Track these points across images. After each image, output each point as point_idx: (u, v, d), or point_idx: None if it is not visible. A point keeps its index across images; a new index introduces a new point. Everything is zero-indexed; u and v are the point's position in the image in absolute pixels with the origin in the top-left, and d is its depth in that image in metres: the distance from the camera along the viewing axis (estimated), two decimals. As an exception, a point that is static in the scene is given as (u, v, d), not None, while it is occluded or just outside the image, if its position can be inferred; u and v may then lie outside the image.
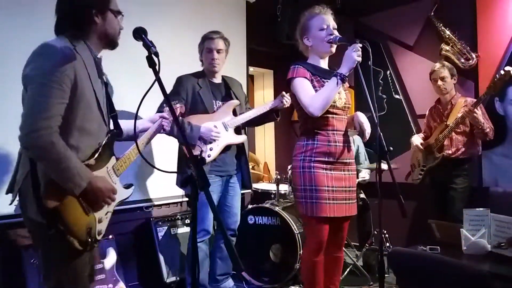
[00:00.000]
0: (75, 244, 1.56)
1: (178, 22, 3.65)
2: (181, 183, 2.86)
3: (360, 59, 2.12)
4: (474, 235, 2.26)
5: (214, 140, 2.77)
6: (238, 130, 2.96)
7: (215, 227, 3.02)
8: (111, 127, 1.84)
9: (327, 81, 2.28)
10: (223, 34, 2.93)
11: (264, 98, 5.20)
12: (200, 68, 3.00)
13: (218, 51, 2.87)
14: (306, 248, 2.37)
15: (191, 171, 1.17)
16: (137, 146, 1.60)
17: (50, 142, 1.50)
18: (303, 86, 2.24)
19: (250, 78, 5.11)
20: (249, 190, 4.12)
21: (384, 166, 2.19)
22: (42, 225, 1.54)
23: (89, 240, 1.62)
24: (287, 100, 2.90)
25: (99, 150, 1.71)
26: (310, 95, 2.21)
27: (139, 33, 1.52)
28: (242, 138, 2.96)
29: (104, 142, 1.73)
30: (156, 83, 1.44)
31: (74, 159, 1.55)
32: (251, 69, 4.70)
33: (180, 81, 2.85)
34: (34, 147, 1.51)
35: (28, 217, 1.59)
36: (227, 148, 2.87)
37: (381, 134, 1.96)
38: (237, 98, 2.98)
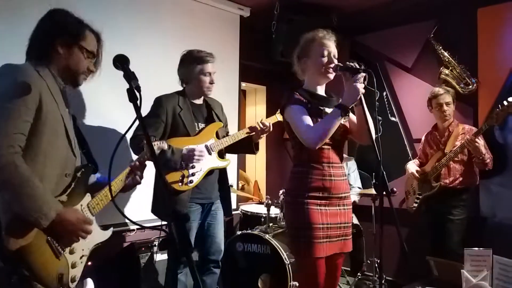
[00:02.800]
0: None
1: (171, 37, 3.53)
2: (160, 245, 2.82)
3: (363, 90, 1.99)
4: (475, 276, 2.14)
5: (198, 161, 2.60)
6: (221, 154, 2.80)
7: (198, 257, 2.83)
8: (84, 162, 1.72)
9: (324, 109, 2.16)
10: (213, 55, 2.78)
11: (256, 113, 5.08)
12: (178, 88, 2.81)
13: (213, 73, 2.74)
14: None
15: (170, 231, 1.00)
16: (110, 190, 1.44)
17: (12, 163, 1.37)
18: (299, 114, 2.09)
19: (243, 94, 4.98)
20: (238, 211, 3.98)
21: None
22: (2, 269, 1.37)
23: None
24: (259, 126, 2.72)
25: (72, 185, 1.58)
26: (307, 124, 2.06)
27: (120, 62, 1.35)
28: (226, 162, 2.81)
29: (78, 176, 1.61)
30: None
31: (39, 185, 1.41)
32: (243, 84, 4.58)
33: (159, 102, 2.65)
34: None
35: None
36: (210, 173, 2.71)
37: (384, 172, 1.82)
38: (220, 120, 2.83)
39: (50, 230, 1.44)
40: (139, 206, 3.14)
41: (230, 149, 2.84)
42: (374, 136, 2.03)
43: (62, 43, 1.61)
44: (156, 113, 2.61)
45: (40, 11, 1.70)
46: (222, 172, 2.84)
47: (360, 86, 1.98)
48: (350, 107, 2.04)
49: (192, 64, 2.71)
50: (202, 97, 2.82)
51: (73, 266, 1.55)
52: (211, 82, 2.72)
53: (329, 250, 2.09)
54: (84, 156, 1.71)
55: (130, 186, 1.84)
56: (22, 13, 2.63)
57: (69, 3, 2.89)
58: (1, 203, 1.40)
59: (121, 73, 1.36)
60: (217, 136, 2.77)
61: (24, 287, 1.39)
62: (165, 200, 1.00)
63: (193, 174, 2.61)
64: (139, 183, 1.87)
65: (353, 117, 2.23)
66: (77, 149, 1.68)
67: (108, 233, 1.76)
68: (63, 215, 1.46)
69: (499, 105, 2.84)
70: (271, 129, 2.77)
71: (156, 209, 2.68)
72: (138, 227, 3.17)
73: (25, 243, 1.39)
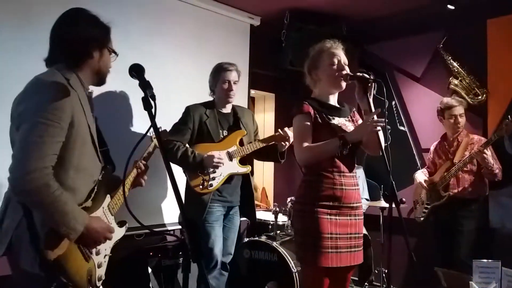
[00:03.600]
0: None
1: (182, 45, 3.59)
2: (172, 251, 2.96)
3: (377, 130, 2.01)
4: (483, 288, 2.14)
5: (217, 167, 2.75)
6: (243, 161, 2.92)
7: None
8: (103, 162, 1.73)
9: (333, 118, 2.18)
10: (237, 66, 2.97)
11: (265, 121, 5.09)
12: (208, 98, 3.01)
13: (235, 83, 2.91)
14: None
15: (184, 237, 1.03)
16: (123, 189, 1.54)
17: (44, 184, 1.40)
18: (301, 129, 2.14)
19: (252, 101, 5.01)
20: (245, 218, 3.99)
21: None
22: (39, 278, 1.42)
23: None
24: (285, 134, 2.83)
25: (95, 189, 1.63)
26: (304, 142, 2.10)
27: (136, 71, 1.39)
28: (246, 169, 2.93)
29: (99, 179, 1.66)
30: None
31: (70, 201, 1.46)
32: (252, 92, 4.61)
33: (187, 110, 2.88)
34: (28, 191, 1.39)
35: (22, 271, 1.45)
36: (231, 178, 2.86)
37: (394, 183, 1.83)
38: (245, 128, 2.95)
39: (79, 240, 1.50)
40: (149, 211, 3.19)
41: (259, 157, 3.04)
42: (383, 146, 2.04)
43: (96, 47, 1.60)
44: (184, 120, 2.84)
45: (52, 18, 1.63)
46: (246, 178, 2.97)
47: (371, 128, 1.99)
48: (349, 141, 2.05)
49: (215, 74, 2.93)
50: (230, 106, 2.99)
51: (99, 266, 1.63)
52: (229, 90, 2.87)
53: (337, 261, 2.05)
54: (102, 156, 1.72)
55: (136, 183, 1.93)
56: (33, 19, 2.70)
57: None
58: (39, 219, 1.44)
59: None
60: (241, 143, 2.91)
61: None
62: (179, 206, 1.02)
63: (213, 179, 2.78)
64: (142, 185, 1.93)
65: None
66: (100, 153, 1.69)
67: (124, 229, 1.82)
68: (90, 226, 1.51)
69: (509, 116, 2.85)
70: (291, 138, 2.82)
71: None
72: (147, 231, 3.20)
73: (61, 253, 1.45)
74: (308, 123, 2.12)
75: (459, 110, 3.21)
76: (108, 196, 1.71)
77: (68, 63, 1.56)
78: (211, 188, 2.77)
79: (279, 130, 2.87)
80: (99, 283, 1.61)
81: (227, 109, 2.99)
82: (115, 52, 1.69)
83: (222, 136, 2.88)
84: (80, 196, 1.56)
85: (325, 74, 2.19)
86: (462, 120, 3.22)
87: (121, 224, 1.81)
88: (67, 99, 1.46)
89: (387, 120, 4.08)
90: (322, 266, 2.03)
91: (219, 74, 2.91)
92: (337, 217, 2.09)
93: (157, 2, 3.47)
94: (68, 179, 1.50)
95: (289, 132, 2.81)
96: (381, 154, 1.98)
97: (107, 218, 1.69)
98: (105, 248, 1.68)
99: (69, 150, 1.50)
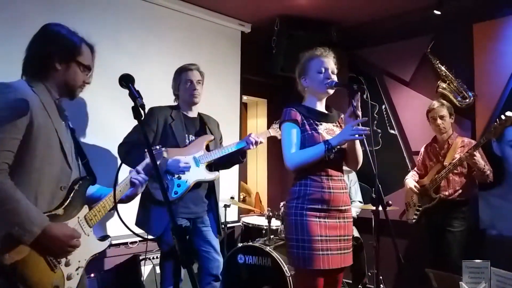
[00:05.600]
0: None
1: (173, 52, 3.62)
2: (162, 256, 2.72)
3: (355, 138, 2.05)
4: (473, 288, 2.17)
5: (183, 173, 2.56)
6: (210, 167, 2.77)
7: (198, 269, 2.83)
8: (83, 173, 1.73)
9: (321, 124, 2.22)
10: (198, 66, 2.83)
11: (257, 126, 5.13)
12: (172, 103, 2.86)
13: (198, 82, 2.76)
14: None
15: (174, 243, 1.05)
16: (114, 202, 1.52)
17: None
18: (288, 136, 2.18)
19: (244, 106, 5.05)
20: (239, 223, 4.02)
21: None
22: None
23: None
24: (253, 141, 2.74)
25: (69, 198, 1.60)
26: (292, 149, 2.15)
27: (126, 81, 1.42)
28: (214, 175, 2.76)
29: (75, 188, 1.63)
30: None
31: (24, 201, 1.43)
32: (244, 97, 4.65)
33: (151, 112, 2.67)
34: None
35: None
36: (197, 185, 2.67)
37: (380, 186, 1.86)
38: (211, 134, 2.82)
39: (37, 245, 1.45)
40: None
41: (220, 164, 2.84)
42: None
43: (60, 60, 1.63)
44: (147, 122, 2.60)
45: (36, 28, 1.69)
46: (211, 186, 2.80)
47: (352, 133, 2.02)
48: (335, 146, 2.09)
49: (177, 75, 2.79)
50: (196, 112, 2.85)
51: (69, 278, 1.56)
52: (193, 89, 2.73)
53: (328, 263, 2.08)
54: (84, 167, 1.72)
55: (130, 198, 1.88)
56: (19, 31, 2.70)
57: (73, 19, 3.01)
58: None
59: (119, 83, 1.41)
60: (207, 149, 2.76)
61: None
62: (168, 212, 1.02)
63: (178, 186, 2.57)
64: (139, 192, 1.90)
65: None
66: (74, 161, 1.69)
67: (105, 243, 1.76)
68: (49, 231, 1.46)
69: (497, 119, 2.88)
70: (261, 142, 2.81)
71: (141, 222, 2.64)
72: (140, 239, 3.21)
73: (19, 257, 1.41)
74: (296, 130, 2.17)
75: (439, 111, 3.24)
76: (86, 207, 1.68)
77: (35, 73, 1.62)
78: (175, 196, 2.55)
79: (251, 136, 2.76)
80: None
81: (194, 113, 2.82)
82: (88, 68, 1.70)
83: (188, 141, 2.70)
84: (44, 202, 1.53)
85: (313, 81, 2.23)
86: (442, 122, 3.24)
87: (102, 238, 1.77)
88: (24, 100, 1.49)
89: (375, 123, 4.17)
90: (314, 269, 2.06)
91: (180, 75, 2.77)
92: (326, 220, 2.13)
93: (149, 10, 3.51)
94: (31, 181, 1.50)
95: (258, 137, 2.77)
96: (355, 170, 2.03)
97: (82, 229, 1.65)
98: (78, 259, 1.62)
99: (30, 150, 1.50)
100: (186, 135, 2.72)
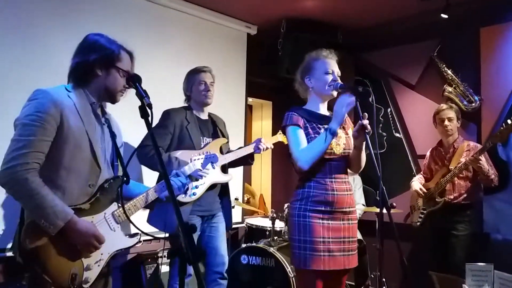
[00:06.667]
0: None
1: (180, 53, 3.65)
2: (168, 254, 2.78)
3: (347, 110, 2.08)
4: (476, 291, 2.17)
5: (202, 177, 2.59)
6: (224, 169, 2.85)
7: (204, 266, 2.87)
8: (118, 173, 1.83)
9: (323, 127, 2.20)
10: (211, 68, 2.90)
11: (262, 128, 5.15)
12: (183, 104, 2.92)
13: (211, 84, 2.83)
14: None
15: (180, 242, 1.06)
16: (124, 211, 1.64)
17: (23, 178, 1.51)
18: (294, 137, 2.17)
19: (249, 108, 5.07)
20: (243, 224, 4.03)
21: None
22: (20, 265, 1.53)
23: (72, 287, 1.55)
24: (263, 148, 2.84)
25: (97, 195, 1.71)
26: (300, 147, 2.14)
27: (133, 81, 1.46)
28: (228, 177, 2.86)
29: (105, 186, 1.73)
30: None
31: (50, 197, 1.54)
32: (250, 99, 4.67)
33: (168, 114, 2.74)
34: (7, 183, 1.54)
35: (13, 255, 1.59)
36: (212, 187, 2.76)
37: (384, 188, 1.87)
38: (224, 136, 2.92)
39: (61, 237, 1.55)
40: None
41: (231, 164, 2.91)
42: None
43: (101, 66, 1.73)
44: (164, 124, 2.70)
45: (65, 40, 1.83)
46: (223, 186, 2.89)
47: (344, 110, 2.05)
48: (337, 129, 2.10)
49: (190, 77, 2.86)
50: (207, 113, 2.92)
51: (87, 268, 1.63)
52: (207, 90, 2.79)
53: (330, 264, 2.08)
54: (121, 167, 1.82)
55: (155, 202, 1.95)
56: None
57: (83, 24, 3.04)
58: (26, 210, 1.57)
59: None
60: (221, 152, 2.83)
61: (35, 283, 1.53)
62: (176, 211, 1.04)
63: (196, 187, 2.67)
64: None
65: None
66: (107, 162, 1.79)
67: (133, 240, 1.82)
68: (73, 225, 1.57)
69: (503, 124, 2.87)
70: (271, 147, 2.90)
71: (154, 219, 2.70)
72: (145, 238, 3.23)
73: (40, 243, 1.52)
74: (301, 131, 2.17)
75: (447, 114, 3.24)
76: (115, 204, 1.77)
77: (78, 80, 1.74)
78: (194, 196, 2.66)
79: (261, 143, 2.84)
80: (85, 285, 1.63)
81: (205, 114, 2.90)
82: (128, 73, 1.78)
83: (204, 143, 2.79)
84: (72, 197, 1.64)
85: (318, 81, 2.22)
86: (450, 124, 3.24)
87: (132, 235, 1.83)
88: (56, 104, 1.60)
89: (380, 126, 4.17)
90: (314, 270, 2.06)
91: (193, 76, 2.84)
92: (330, 222, 2.13)
93: (156, 12, 3.54)
94: (58, 178, 1.62)
95: (267, 143, 2.85)
96: (357, 173, 2.03)
97: (108, 225, 1.73)
98: (101, 252, 1.69)
99: (59, 151, 1.61)
100: (201, 138, 2.80)
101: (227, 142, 2.98)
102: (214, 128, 2.91)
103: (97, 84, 1.74)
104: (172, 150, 2.69)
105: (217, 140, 2.84)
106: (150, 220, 2.72)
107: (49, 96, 1.61)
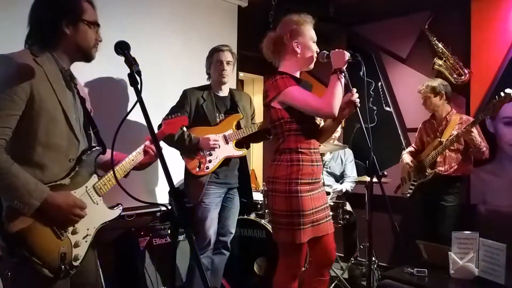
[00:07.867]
0: (45, 272, 1.44)
1: (168, 27, 3.57)
2: (160, 218, 2.93)
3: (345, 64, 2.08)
4: (462, 258, 2.24)
5: (213, 150, 2.82)
6: (239, 144, 2.97)
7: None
8: (93, 143, 1.71)
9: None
10: (231, 47, 2.99)
11: (254, 103, 5.12)
12: (206, 82, 3.03)
13: (228, 63, 2.92)
14: (282, 275, 2.19)
15: (170, 206, 1.08)
16: (113, 173, 1.52)
17: None
18: (303, 93, 2.09)
19: (240, 83, 5.03)
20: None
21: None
22: (5, 250, 1.43)
23: (63, 267, 1.49)
24: None
25: (76, 168, 1.59)
26: (317, 98, 2.08)
27: (122, 48, 1.41)
28: (241, 152, 2.98)
29: (83, 159, 1.61)
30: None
31: (22, 175, 1.42)
32: (241, 74, 4.63)
33: (184, 94, 2.92)
34: None
35: None
36: (228, 160, 2.92)
37: (375, 158, 1.89)
38: (242, 112, 2.98)
39: (40, 215, 1.46)
40: (142, 192, 3.24)
41: (249, 140, 3.05)
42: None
43: (68, 23, 1.56)
44: (180, 104, 2.89)
45: None
46: (243, 160, 3.05)
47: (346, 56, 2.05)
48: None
49: (210, 55, 2.97)
50: (227, 90, 3.01)
51: (76, 245, 1.57)
52: (222, 69, 2.89)
53: (314, 232, 2.13)
54: (94, 137, 1.70)
55: (144, 165, 1.87)
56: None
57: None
58: None
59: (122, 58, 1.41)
60: (237, 127, 2.96)
61: (25, 266, 1.44)
62: (166, 178, 1.05)
63: (210, 161, 2.86)
64: (154, 160, 1.88)
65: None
66: (82, 132, 1.66)
67: (116, 212, 1.74)
68: (52, 201, 1.46)
69: (496, 96, 2.85)
70: None
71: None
72: (136, 212, 3.24)
73: (24, 226, 1.43)
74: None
75: (424, 93, 3.33)
76: (95, 176, 1.67)
77: (42, 42, 1.56)
78: (207, 170, 2.84)
79: None
80: (76, 263, 1.56)
81: (224, 92, 3.00)
82: (96, 23, 1.63)
83: (219, 120, 2.93)
84: (51, 173, 1.52)
85: (306, 48, 2.15)
86: (430, 102, 3.31)
87: (113, 206, 1.75)
88: (24, 74, 1.44)
89: (371, 100, 4.17)
90: (303, 242, 2.10)
91: (212, 55, 2.94)
92: (313, 193, 2.17)
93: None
94: (35, 155, 1.49)
95: None
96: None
97: (90, 198, 1.64)
98: (87, 227, 1.62)
99: (33, 125, 1.47)
100: (217, 114, 2.94)
101: (251, 115, 3.10)
102: (232, 104, 3.01)
103: (66, 44, 1.58)
104: (188, 128, 2.85)
105: (232, 116, 2.94)
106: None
107: (16, 64, 1.44)
